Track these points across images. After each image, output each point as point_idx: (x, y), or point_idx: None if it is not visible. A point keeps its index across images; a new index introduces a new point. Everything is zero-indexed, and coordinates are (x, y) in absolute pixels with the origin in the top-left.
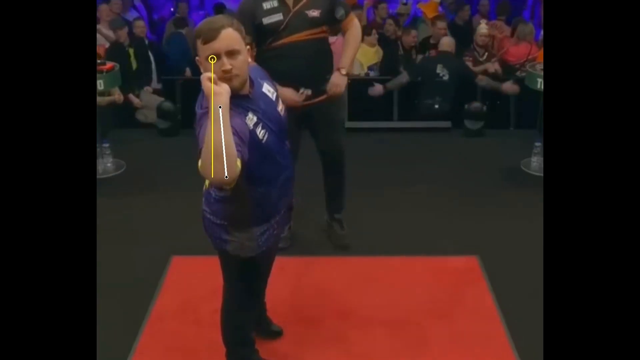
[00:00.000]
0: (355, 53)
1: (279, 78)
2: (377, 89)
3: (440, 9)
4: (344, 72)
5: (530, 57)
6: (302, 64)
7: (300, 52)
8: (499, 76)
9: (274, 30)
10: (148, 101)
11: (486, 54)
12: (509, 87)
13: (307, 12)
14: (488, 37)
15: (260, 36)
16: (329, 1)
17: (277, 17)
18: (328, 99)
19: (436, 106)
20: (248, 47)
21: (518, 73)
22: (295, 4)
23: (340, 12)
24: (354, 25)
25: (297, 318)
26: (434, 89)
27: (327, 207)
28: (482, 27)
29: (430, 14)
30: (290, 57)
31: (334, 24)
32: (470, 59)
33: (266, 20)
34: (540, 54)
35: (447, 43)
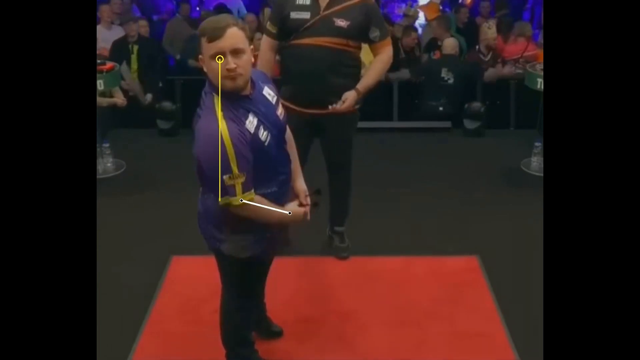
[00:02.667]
0: (377, 78)
1: (292, 78)
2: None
3: (441, 7)
4: (359, 91)
5: (525, 53)
6: (316, 70)
7: (317, 58)
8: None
9: (298, 28)
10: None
11: (490, 53)
12: (508, 70)
13: (334, 19)
14: (495, 40)
15: (285, 30)
16: (364, 17)
17: (305, 15)
18: (334, 110)
19: (441, 108)
20: (252, 46)
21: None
22: (326, 8)
23: (374, 34)
24: (386, 51)
25: (297, 318)
26: (439, 92)
27: (329, 218)
28: (492, 32)
29: (430, 15)
30: (306, 60)
31: (364, 42)
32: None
33: (293, 15)
34: (540, 54)
35: (450, 45)
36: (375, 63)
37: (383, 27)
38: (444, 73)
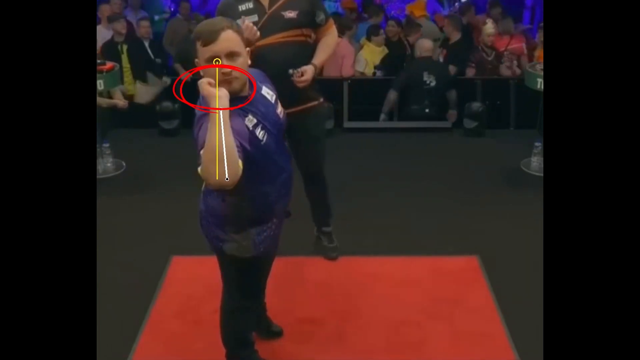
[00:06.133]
0: (327, 57)
1: None
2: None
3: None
4: (316, 66)
5: (509, 47)
6: (279, 68)
7: (277, 56)
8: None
9: None
10: (141, 93)
11: (493, 52)
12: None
13: (282, 12)
14: (494, 37)
15: None
16: (309, 3)
17: (253, 18)
18: (296, 80)
19: (426, 110)
20: (248, 48)
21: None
22: (271, 5)
23: (320, 17)
24: (332, 33)
25: (297, 318)
26: (422, 95)
27: (313, 220)
28: (489, 27)
29: (418, 13)
30: (266, 61)
31: (314, 28)
32: (473, 64)
33: (241, 23)
34: (540, 54)
35: (426, 47)
36: (325, 44)
37: (325, 10)
38: (426, 77)
